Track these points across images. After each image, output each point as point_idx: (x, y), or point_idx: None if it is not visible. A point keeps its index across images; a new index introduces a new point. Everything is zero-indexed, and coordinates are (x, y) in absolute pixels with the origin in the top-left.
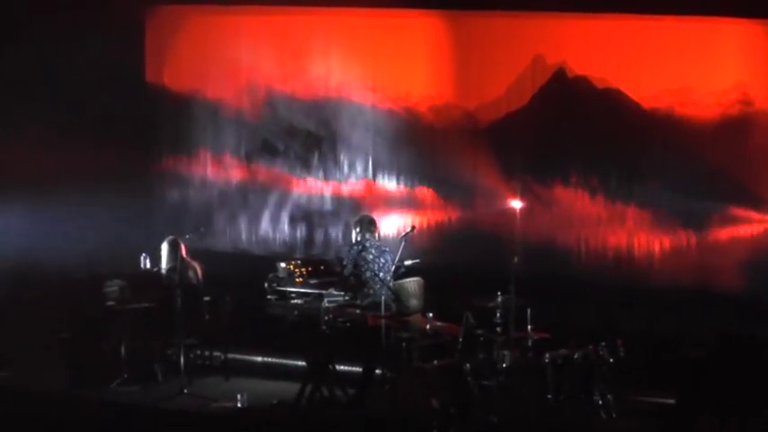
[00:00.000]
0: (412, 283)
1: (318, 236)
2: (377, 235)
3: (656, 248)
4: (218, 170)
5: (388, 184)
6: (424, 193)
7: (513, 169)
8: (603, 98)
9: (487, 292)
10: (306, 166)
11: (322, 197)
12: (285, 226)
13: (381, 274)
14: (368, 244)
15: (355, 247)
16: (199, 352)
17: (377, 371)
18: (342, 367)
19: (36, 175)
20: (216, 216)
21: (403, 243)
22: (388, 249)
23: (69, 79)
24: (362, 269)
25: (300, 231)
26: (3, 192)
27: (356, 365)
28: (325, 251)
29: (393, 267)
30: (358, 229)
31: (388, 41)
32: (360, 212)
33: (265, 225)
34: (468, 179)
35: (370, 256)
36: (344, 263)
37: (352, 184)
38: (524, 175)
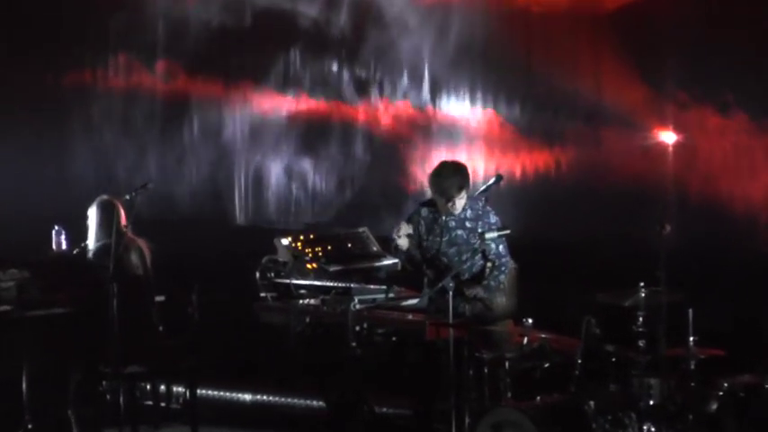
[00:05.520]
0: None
1: (345, 195)
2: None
3: None
4: (173, 86)
5: (456, 107)
6: (517, 120)
7: (662, 81)
8: None
9: (622, 282)
10: (319, 82)
11: (348, 133)
12: (289, 180)
13: (452, 251)
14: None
15: (426, 211)
16: (148, 386)
17: (441, 412)
18: (384, 409)
19: None
20: (174, 164)
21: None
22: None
23: None
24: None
25: (314, 189)
26: None
27: (406, 405)
28: (354, 219)
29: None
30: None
31: None
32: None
33: (256, 178)
34: (587, 98)
35: (452, 224)
36: (399, 233)
37: (399, 109)
38: (680, 91)
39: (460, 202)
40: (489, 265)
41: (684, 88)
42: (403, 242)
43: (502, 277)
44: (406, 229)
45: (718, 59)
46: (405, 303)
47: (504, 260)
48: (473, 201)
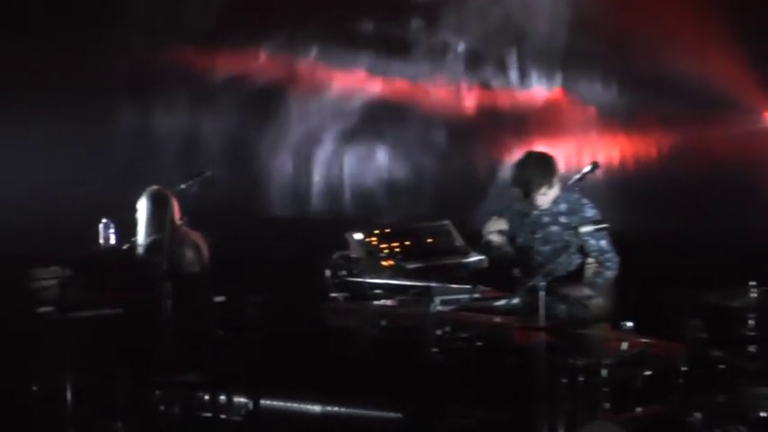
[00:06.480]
0: (594, 267)
1: (425, 184)
2: None
3: None
4: (238, 64)
5: (549, 89)
6: (615, 104)
7: None
8: None
9: (730, 281)
10: (395, 61)
11: (427, 116)
12: (360, 168)
13: (547, 249)
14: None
15: (519, 205)
16: (207, 396)
17: (532, 425)
18: (468, 421)
19: None
20: (236, 150)
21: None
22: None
23: None
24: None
25: (389, 177)
26: None
27: (493, 417)
28: (435, 211)
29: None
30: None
31: None
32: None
33: (324, 167)
34: (691, 79)
35: (545, 220)
36: (489, 229)
37: (485, 91)
38: None
39: (543, 198)
40: (591, 261)
41: None
42: (495, 238)
43: (609, 273)
44: (496, 224)
45: None
46: (496, 304)
47: (608, 255)
48: (567, 193)
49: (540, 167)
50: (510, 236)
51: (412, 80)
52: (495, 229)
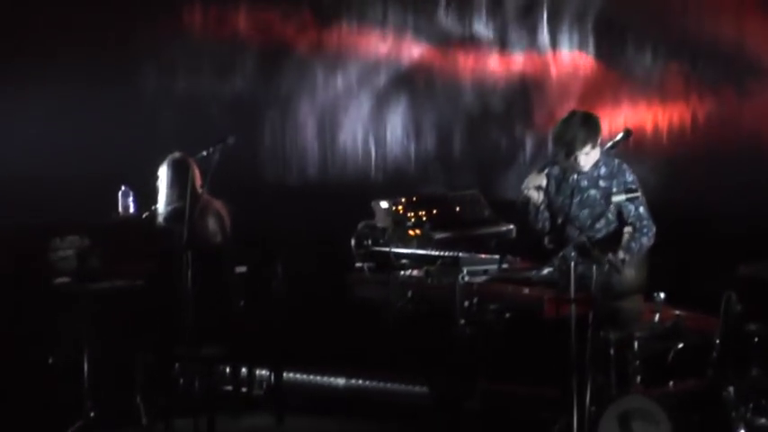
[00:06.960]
0: (629, 233)
1: (453, 153)
2: None
3: None
4: (262, 26)
5: (578, 54)
6: (647, 69)
7: None
8: None
9: (766, 254)
10: (423, 24)
11: (455, 82)
12: (386, 136)
13: (585, 214)
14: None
15: (557, 169)
16: (227, 369)
17: (561, 399)
18: (497, 395)
19: None
20: (258, 116)
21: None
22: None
23: None
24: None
25: (416, 146)
26: None
27: (524, 392)
28: (463, 180)
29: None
30: None
31: None
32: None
33: (348, 134)
34: (728, 43)
35: (584, 183)
36: (529, 185)
37: (513, 56)
38: None
39: (586, 158)
40: (629, 229)
41: None
42: (534, 195)
43: (645, 240)
44: (536, 179)
45: None
46: (531, 274)
47: (645, 222)
48: (607, 157)
49: (586, 125)
50: (546, 203)
51: (441, 46)
52: (536, 185)
